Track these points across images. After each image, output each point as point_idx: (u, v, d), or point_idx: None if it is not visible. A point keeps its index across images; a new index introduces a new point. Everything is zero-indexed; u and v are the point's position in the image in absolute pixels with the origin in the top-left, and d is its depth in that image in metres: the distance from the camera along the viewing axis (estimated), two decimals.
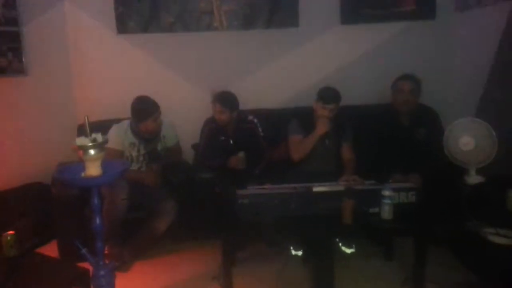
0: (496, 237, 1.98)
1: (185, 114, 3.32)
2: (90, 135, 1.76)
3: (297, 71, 3.53)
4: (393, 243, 2.71)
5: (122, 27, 3.45)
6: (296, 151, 2.85)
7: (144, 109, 2.77)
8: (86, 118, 1.81)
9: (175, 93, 3.45)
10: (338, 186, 2.35)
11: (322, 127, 2.79)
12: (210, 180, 2.77)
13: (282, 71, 3.54)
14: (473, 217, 2.12)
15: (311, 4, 3.49)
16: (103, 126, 2.84)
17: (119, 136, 2.79)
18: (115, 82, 3.45)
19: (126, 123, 2.87)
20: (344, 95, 2.94)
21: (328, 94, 2.82)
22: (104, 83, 3.47)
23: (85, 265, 1.95)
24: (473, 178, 2.48)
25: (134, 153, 2.85)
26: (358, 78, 3.51)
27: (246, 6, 3.50)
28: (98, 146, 1.74)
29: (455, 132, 2.65)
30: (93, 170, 1.75)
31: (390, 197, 2.16)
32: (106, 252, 2.26)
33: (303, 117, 2.92)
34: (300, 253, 2.70)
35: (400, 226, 2.18)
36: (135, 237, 2.72)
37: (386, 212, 2.16)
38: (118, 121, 2.92)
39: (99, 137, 1.76)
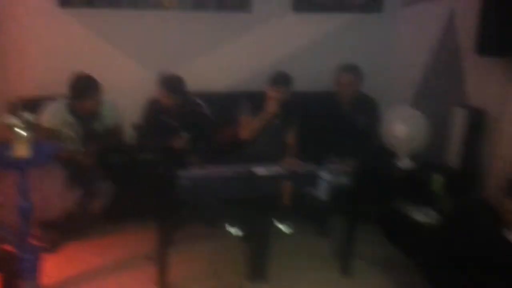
0: (420, 215, 2.13)
1: (128, 93, 3.20)
2: (21, 114, 1.68)
3: (247, 56, 3.53)
4: (327, 222, 2.84)
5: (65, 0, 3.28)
6: (245, 130, 2.89)
7: (84, 87, 2.68)
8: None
9: (118, 71, 3.33)
10: (278, 169, 2.42)
11: (272, 107, 2.83)
12: (151, 161, 2.73)
13: (232, 54, 3.53)
14: (401, 198, 2.27)
15: None
16: (37, 103, 2.75)
17: (55, 115, 2.68)
18: (53, 57, 3.26)
19: (63, 102, 2.75)
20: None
21: (280, 77, 2.88)
22: (41, 58, 3.26)
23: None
24: (405, 163, 2.65)
25: (71, 133, 2.75)
26: (307, 65, 3.57)
27: None
28: (28, 126, 1.67)
29: (391, 120, 2.81)
30: (22, 151, 1.68)
31: (327, 178, 2.27)
32: (36, 234, 2.19)
33: (255, 100, 2.94)
34: (237, 232, 2.75)
35: (334, 206, 2.29)
36: (69, 218, 2.63)
37: (323, 193, 2.26)
38: (54, 98, 2.79)
39: (30, 116, 1.69)
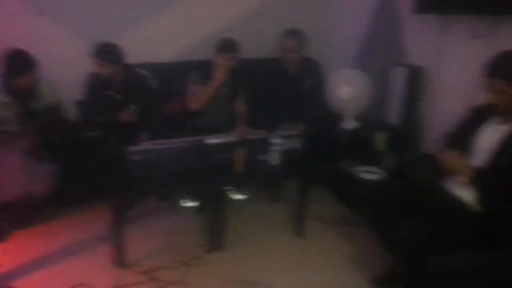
0: (366, 173, 2.25)
1: (65, 68, 2.99)
2: None
3: (192, 23, 3.40)
4: (280, 187, 2.92)
5: None
6: (194, 100, 2.85)
7: (20, 63, 2.49)
8: None
9: (53, 46, 3.09)
10: (230, 137, 2.43)
11: (220, 75, 2.79)
12: (97, 138, 2.63)
13: (176, 22, 3.38)
14: (348, 158, 2.38)
15: None
16: None
17: None
18: None
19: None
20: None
21: (227, 44, 2.83)
22: None
23: None
24: (350, 124, 2.75)
25: (8, 114, 2.55)
26: (251, 31, 3.51)
27: None
28: None
29: (336, 82, 2.89)
30: None
31: (278, 144, 2.31)
32: None
33: (202, 69, 2.88)
34: (191, 204, 2.76)
35: (286, 170, 2.35)
36: (13, 204, 2.50)
37: (275, 158, 2.31)
38: None
39: None
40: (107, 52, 2.70)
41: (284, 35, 3.01)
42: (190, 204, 2.73)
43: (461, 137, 1.95)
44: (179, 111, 2.92)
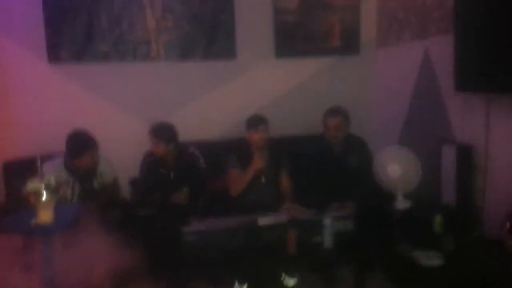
0: (425, 259, 2.16)
1: (122, 148, 3.21)
2: (43, 176, 1.64)
3: (235, 102, 3.61)
4: (333, 271, 2.81)
5: (54, 55, 3.31)
6: (234, 188, 2.91)
7: (81, 144, 2.66)
8: (38, 158, 1.70)
9: (111, 126, 3.34)
10: (281, 217, 2.42)
11: (257, 162, 2.86)
12: (150, 217, 2.69)
13: (220, 102, 3.61)
14: (404, 241, 2.30)
15: (248, 37, 3.62)
16: (31, 163, 2.69)
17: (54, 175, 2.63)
18: (45, 115, 3.27)
19: (59, 160, 2.72)
20: (279, 126, 3.12)
21: (253, 119, 2.94)
22: (33, 116, 3.27)
23: None
24: (401, 203, 2.70)
25: (69, 192, 2.70)
26: (292, 109, 3.68)
27: (183, 37, 3.54)
28: (52, 189, 1.63)
29: (383, 160, 2.88)
30: (46, 216, 1.64)
31: (330, 225, 2.28)
32: None
33: (240, 150, 2.97)
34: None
35: (341, 254, 2.29)
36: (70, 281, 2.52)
37: (328, 240, 2.27)
38: (48, 157, 2.75)
39: (52, 179, 1.66)
40: (161, 131, 2.87)
41: (328, 114, 3.06)
42: (242, 286, 2.68)
43: None
44: (224, 190, 2.98)
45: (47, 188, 1.64)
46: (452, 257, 2.14)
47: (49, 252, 1.72)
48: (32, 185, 1.64)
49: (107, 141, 2.96)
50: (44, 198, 1.65)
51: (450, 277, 1.98)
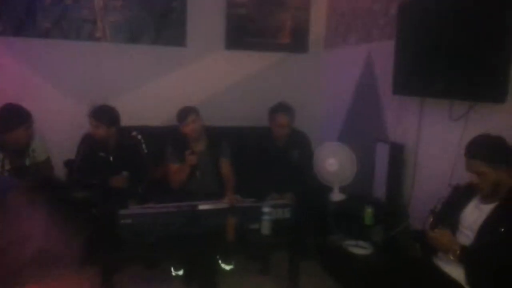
0: (355, 248, 2.28)
1: (59, 128, 3.09)
2: None
3: (182, 90, 3.56)
4: (270, 258, 2.89)
5: None
6: (173, 181, 2.88)
7: (13, 117, 2.50)
8: None
9: (48, 104, 3.18)
10: (221, 204, 2.45)
11: (190, 159, 2.81)
12: (86, 199, 2.60)
13: (167, 88, 3.55)
14: (337, 231, 2.42)
15: (199, 27, 3.59)
16: None
17: None
18: None
19: None
20: (224, 116, 3.15)
21: (183, 111, 2.91)
22: None
23: None
24: (337, 196, 2.83)
25: None
26: (239, 100, 3.70)
27: (132, 20, 3.44)
28: None
29: (322, 154, 3.00)
30: None
31: (269, 213, 2.34)
32: None
33: (176, 142, 2.92)
34: (180, 273, 2.70)
35: (277, 241, 2.36)
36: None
37: (266, 228, 2.32)
38: None
39: None
40: (102, 113, 2.77)
41: (275, 110, 3.09)
42: (178, 271, 2.67)
43: (447, 214, 2.04)
44: (164, 177, 2.94)
45: None
46: (380, 247, 2.28)
47: None
48: None
49: (43, 119, 2.83)
50: None
51: (377, 265, 2.11)
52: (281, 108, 3.09)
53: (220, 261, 2.79)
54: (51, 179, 2.79)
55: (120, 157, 2.85)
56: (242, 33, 3.75)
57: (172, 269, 2.70)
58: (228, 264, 2.80)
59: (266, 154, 3.07)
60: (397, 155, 2.79)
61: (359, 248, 2.28)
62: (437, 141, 2.60)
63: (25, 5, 3.16)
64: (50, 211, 2.40)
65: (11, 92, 2.96)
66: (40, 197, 2.48)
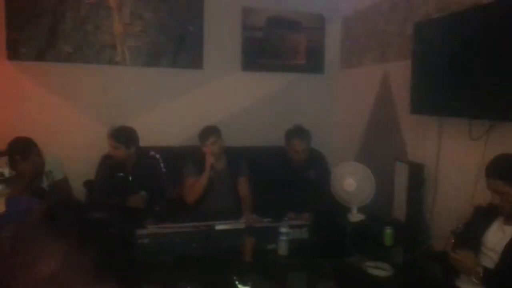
0: (375, 269, 2.23)
1: (81, 149, 3.16)
2: None
3: (200, 111, 3.61)
4: (287, 278, 2.84)
5: (14, 53, 3.20)
6: (188, 194, 2.90)
7: (18, 150, 2.58)
8: None
9: (68, 126, 3.27)
10: (238, 224, 2.44)
11: (207, 160, 2.86)
12: (104, 220, 2.63)
13: (185, 110, 3.61)
14: (355, 252, 2.37)
15: (215, 49, 3.66)
16: None
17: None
18: (2, 113, 3.14)
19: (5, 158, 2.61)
20: (241, 136, 3.19)
21: (205, 132, 2.96)
22: None
23: None
24: (355, 216, 2.78)
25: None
26: (256, 121, 3.73)
27: (150, 44, 3.54)
28: (5, 180, 1.58)
29: (340, 174, 2.98)
30: None
31: (287, 233, 2.31)
32: None
33: (197, 159, 2.96)
34: None
35: (294, 261, 2.33)
36: (17, 281, 2.41)
37: (283, 248, 2.30)
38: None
39: (5, 170, 1.61)
40: (121, 134, 2.83)
41: (293, 135, 3.07)
42: None
43: (469, 235, 1.98)
44: (181, 198, 2.95)
45: (0, 178, 1.59)
46: (401, 268, 2.23)
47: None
48: None
49: (63, 141, 2.90)
50: None
51: (398, 287, 2.05)
52: (297, 134, 3.07)
53: (237, 282, 2.75)
54: (70, 200, 2.88)
55: (138, 176, 2.89)
56: (258, 55, 3.81)
57: None
58: (245, 285, 2.76)
59: (283, 173, 3.06)
60: (417, 174, 2.75)
61: (379, 270, 2.22)
62: (457, 160, 2.55)
63: (47, 30, 3.28)
64: (69, 231, 2.45)
65: (32, 115, 3.05)
66: (59, 218, 2.55)
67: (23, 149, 2.61)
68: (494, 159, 1.89)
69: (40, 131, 2.88)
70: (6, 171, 1.63)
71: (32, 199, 2.47)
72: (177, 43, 3.60)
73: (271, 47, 3.84)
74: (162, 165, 2.97)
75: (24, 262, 2.44)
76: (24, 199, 2.08)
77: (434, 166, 2.70)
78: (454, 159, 2.58)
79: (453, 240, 2.01)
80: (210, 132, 2.93)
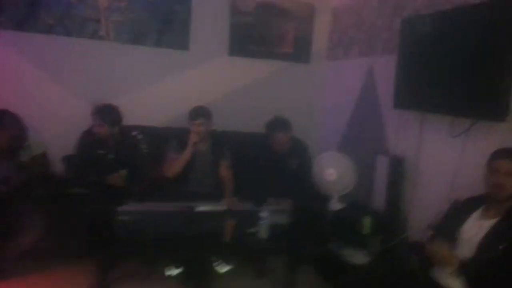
0: (352, 257, 2.28)
1: (60, 123, 3.07)
2: None
3: (184, 92, 3.56)
4: (266, 262, 2.87)
5: None
6: (169, 168, 2.89)
7: None
8: None
9: (49, 99, 3.17)
10: (219, 206, 2.43)
11: (192, 137, 2.87)
12: (84, 196, 2.58)
13: (169, 90, 3.55)
14: (335, 239, 2.41)
15: (202, 31, 3.61)
16: None
17: None
18: None
19: None
20: (224, 121, 3.14)
21: (195, 111, 2.96)
22: None
23: None
24: (335, 205, 2.83)
25: None
26: (239, 106, 3.70)
27: (136, 21, 3.44)
28: None
29: (321, 164, 3.01)
30: None
31: (267, 217, 2.33)
32: None
33: (181, 137, 2.96)
34: (175, 272, 2.66)
35: (274, 245, 2.35)
36: None
37: (263, 231, 2.32)
38: None
39: None
40: (107, 113, 2.80)
41: (273, 129, 3.08)
42: (174, 271, 2.63)
43: (446, 228, 2.04)
44: (161, 177, 2.93)
45: None
46: (378, 256, 2.28)
47: None
48: None
49: (42, 115, 2.82)
50: None
51: (374, 275, 2.09)
52: (279, 127, 3.07)
53: (214, 264, 2.76)
54: (49, 174, 2.80)
55: (119, 155, 2.85)
56: (245, 41, 3.77)
57: (173, 267, 2.66)
58: (225, 265, 2.77)
59: (265, 160, 3.07)
60: (397, 167, 2.80)
61: (356, 257, 2.27)
62: (437, 156, 2.61)
63: (28, 0, 3.15)
64: (47, 205, 2.39)
65: (10, 86, 2.94)
66: (38, 190, 2.48)
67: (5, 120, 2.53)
68: (497, 150, 1.95)
69: (19, 103, 2.78)
70: None
71: (12, 168, 2.40)
72: (163, 21, 3.52)
73: (259, 34, 3.81)
74: (144, 145, 2.93)
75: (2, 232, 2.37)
76: (3, 167, 2.01)
77: (414, 160, 2.76)
78: (434, 154, 2.64)
79: (431, 233, 2.06)
80: (200, 113, 2.93)
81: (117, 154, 2.85)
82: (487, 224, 1.88)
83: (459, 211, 2.05)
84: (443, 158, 2.54)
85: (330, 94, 3.92)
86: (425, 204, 2.60)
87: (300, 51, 3.96)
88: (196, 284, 2.29)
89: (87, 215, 2.37)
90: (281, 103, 3.33)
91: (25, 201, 2.50)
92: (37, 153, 2.71)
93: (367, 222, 2.51)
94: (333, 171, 2.91)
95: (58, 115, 3.15)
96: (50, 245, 2.50)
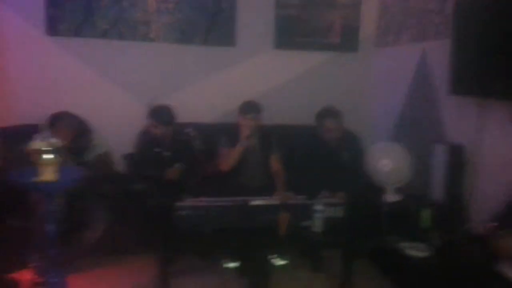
0: (412, 250, 2.21)
1: (117, 123, 3.23)
2: (47, 137, 1.66)
3: (232, 88, 3.61)
4: (322, 255, 2.86)
5: (52, 29, 3.26)
6: (223, 162, 2.94)
7: (62, 124, 2.74)
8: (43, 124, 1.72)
9: (107, 101, 3.34)
10: (273, 200, 2.45)
11: (244, 131, 2.90)
12: (143, 192, 2.70)
13: (218, 87, 3.62)
14: (392, 232, 2.35)
15: (248, 27, 3.63)
16: (19, 133, 2.68)
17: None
18: (39, 87, 3.22)
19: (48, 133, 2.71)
20: (273, 114, 3.16)
21: (247, 106, 2.98)
22: (27, 86, 3.22)
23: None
24: (391, 197, 2.75)
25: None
26: (288, 99, 3.71)
27: (184, 21, 3.53)
28: (56, 150, 1.65)
29: (375, 155, 2.94)
30: (49, 175, 1.65)
31: (321, 211, 2.31)
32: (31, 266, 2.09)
33: (232, 132, 3.00)
34: (232, 265, 2.73)
35: (329, 239, 2.33)
36: (62, 250, 2.52)
37: (317, 225, 2.31)
38: (38, 128, 2.74)
39: (55, 140, 1.68)
40: (162, 115, 2.94)
41: (324, 116, 3.08)
42: (231, 264, 2.70)
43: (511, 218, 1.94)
44: (218, 171, 3.00)
45: (52, 147, 1.65)
46: (438, 250, 2.20)
47: (52, 209, 1.73)
48: (36, 143, 1.65)
49: (102, 115, 2.97)
50: (48, 156, 1.66)
51: (436, 268, 2.03)
52: (328, 114, 3.07)
53: (270, 257, 2.79)
54: (112, 172, 2.97)
55: (174, 152, 2.97)
56: (291, 33, 3.75)
57: (224, 262, 2.73)
58: (281, 259, 2.80)
59: (317, 153, 3.04)
60: (456, 156, 2.68)
61: (415, 251, 2.20)
62: (498, 143, 2.47)
63: (83, 7, 3.32)
64: (111, 201, 2.52)
65: (71, 90, 3.12)
66: (103, 188, 2.63)
67: (53, 119, 2.73)
68: None
69: (82, 106, 3.00)
70: (55, 141, 1.69)
71: (81, 169, 2.56)
72: (210, 20, 3.58)
73: (305, 25, 3.77)
74: (197, 142, 3.03)
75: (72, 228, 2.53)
76: (76, 168, 2.16)
77: (474, 148, 2.63)
78: (495, 141, 2.50)
79: (495, 223, 1.96)
80: (252, 108, 2.97)
81: (173, 151, 2.96)
82: None
83: None
84: (505, 146, 2.39)
85: (380, 82, 3.81)
86: (487, 195, 2.47)
87: (348, 40, 3.87)
88: (253, 277, 2.33)
89: (147, 211, 2.49)
90: (330, 94, 3.29)
91: (91, 198, 2.66)
92: (101, 152, 2.88)
93: (426, 214, 2.42)
94: (387, 162, 2.84)
95: (116, 115, 3.31)
96: (114, 240, 2.64)
